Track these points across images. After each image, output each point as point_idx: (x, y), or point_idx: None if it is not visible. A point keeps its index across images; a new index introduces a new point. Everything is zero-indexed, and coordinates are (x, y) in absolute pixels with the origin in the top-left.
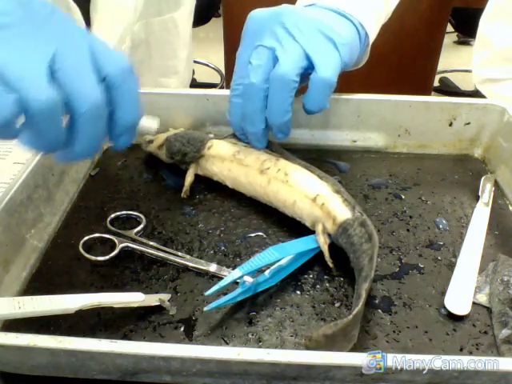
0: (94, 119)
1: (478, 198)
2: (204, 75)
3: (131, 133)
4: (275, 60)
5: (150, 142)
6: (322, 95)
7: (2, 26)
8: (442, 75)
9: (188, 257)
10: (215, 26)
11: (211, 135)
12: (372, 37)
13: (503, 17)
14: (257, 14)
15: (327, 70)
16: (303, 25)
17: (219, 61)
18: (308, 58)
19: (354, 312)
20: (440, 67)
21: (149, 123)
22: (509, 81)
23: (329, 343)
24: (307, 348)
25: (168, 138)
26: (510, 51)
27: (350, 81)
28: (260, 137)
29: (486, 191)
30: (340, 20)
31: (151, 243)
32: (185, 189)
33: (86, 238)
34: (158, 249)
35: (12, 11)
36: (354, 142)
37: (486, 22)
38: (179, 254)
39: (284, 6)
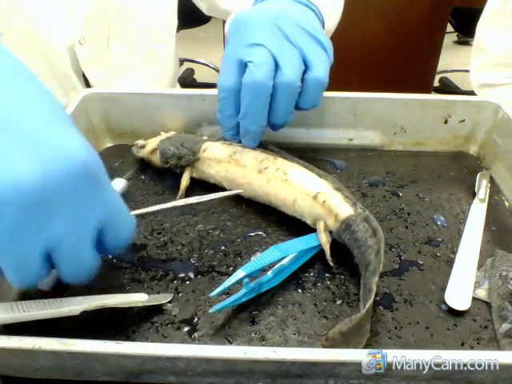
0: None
1: (474, 195)
2: (204, 75)
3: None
4: (274, 60)
5: (142, 147)
6: (318, 94)
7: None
8: (442, 75)
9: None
10: (215, 26)
11: (205, 137)
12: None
13: (499, 23)
14: (246, 15)
15: (322, 70)
16: (295, 27)
17: (219, 61)
18: (304, 60)
19: (367, 306)
20: (440, 67)
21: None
22: (506, 86)
23: (345, 340)
24: (324, 347)
25: (161, 142)
26: (506, 57)
27: (349, 81)
28: (258, 135)
29: (482, 187)
30: (311, 14)
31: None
32: (180, 193)
33: None
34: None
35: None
36: (351, 140)
37: (483, 28)
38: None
39: (271, 5)
